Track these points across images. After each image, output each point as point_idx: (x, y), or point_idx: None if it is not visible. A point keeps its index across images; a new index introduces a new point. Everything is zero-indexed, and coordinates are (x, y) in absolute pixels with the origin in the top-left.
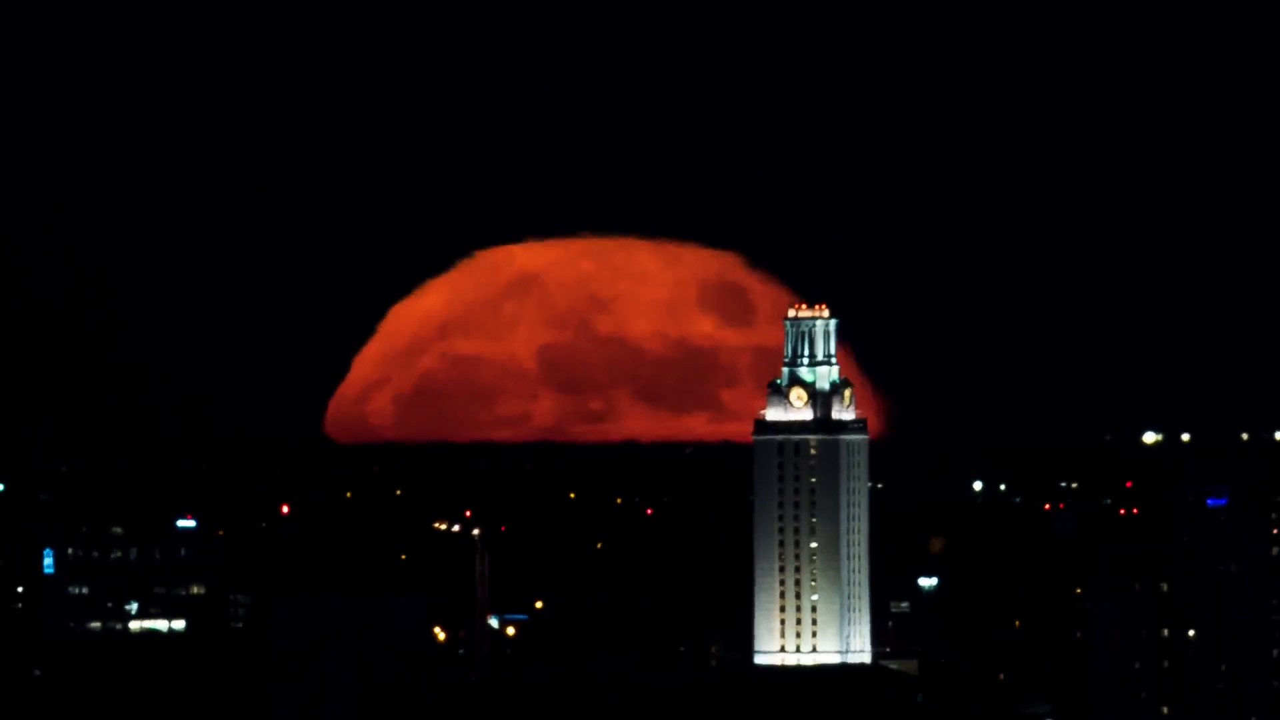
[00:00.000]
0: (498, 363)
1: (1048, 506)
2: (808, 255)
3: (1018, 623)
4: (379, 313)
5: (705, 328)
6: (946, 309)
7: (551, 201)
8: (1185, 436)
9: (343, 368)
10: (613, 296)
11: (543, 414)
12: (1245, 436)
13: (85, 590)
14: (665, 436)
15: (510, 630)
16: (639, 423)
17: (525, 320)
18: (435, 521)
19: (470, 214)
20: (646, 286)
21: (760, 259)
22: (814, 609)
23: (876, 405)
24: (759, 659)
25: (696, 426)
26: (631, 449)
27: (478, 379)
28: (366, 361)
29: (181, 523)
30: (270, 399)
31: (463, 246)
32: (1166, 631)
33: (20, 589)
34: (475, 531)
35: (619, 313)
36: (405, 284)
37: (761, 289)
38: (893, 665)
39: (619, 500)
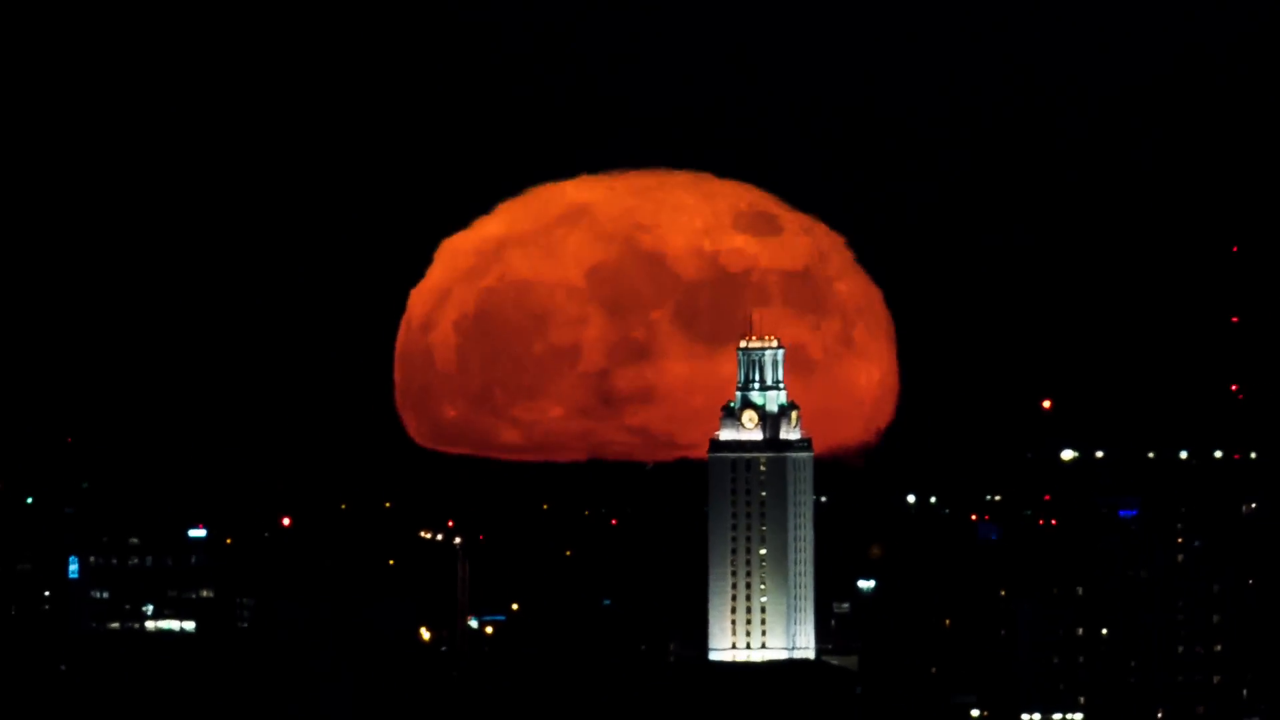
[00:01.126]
0: (551, 283)
1: (974, 517)
2: (831, 190)
3: (947, 622)
4: (435, 244)
5: (737, 250)
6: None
7: (600, 142)
8: (1099, 454)
9: (403, 297)
10: (654, 224)
11: (590, 346)
12: (1152, 455)
13: (106, 594)
14: (700, 378)
15: (489, 630)
16: (677, 363)
17: (575, 246)
18: (421, 531)
19: (522, 154)
20: (684, 215)
21: (788, 194)
22: (763, 610)
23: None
24: (713, 655)
25: (725, 364)
26: (598, 466)
27: (533, 299)
28: (427, 289)
29: (193, 532)
30: (338, 334)
31: (516, 185)
32: (1081, 630)
33: (47, 593)
34: (457, 540)
35: (660, 238)
36: (462, 218)
37: (790, 217)
38: (834, 660)
39: (586, 512)
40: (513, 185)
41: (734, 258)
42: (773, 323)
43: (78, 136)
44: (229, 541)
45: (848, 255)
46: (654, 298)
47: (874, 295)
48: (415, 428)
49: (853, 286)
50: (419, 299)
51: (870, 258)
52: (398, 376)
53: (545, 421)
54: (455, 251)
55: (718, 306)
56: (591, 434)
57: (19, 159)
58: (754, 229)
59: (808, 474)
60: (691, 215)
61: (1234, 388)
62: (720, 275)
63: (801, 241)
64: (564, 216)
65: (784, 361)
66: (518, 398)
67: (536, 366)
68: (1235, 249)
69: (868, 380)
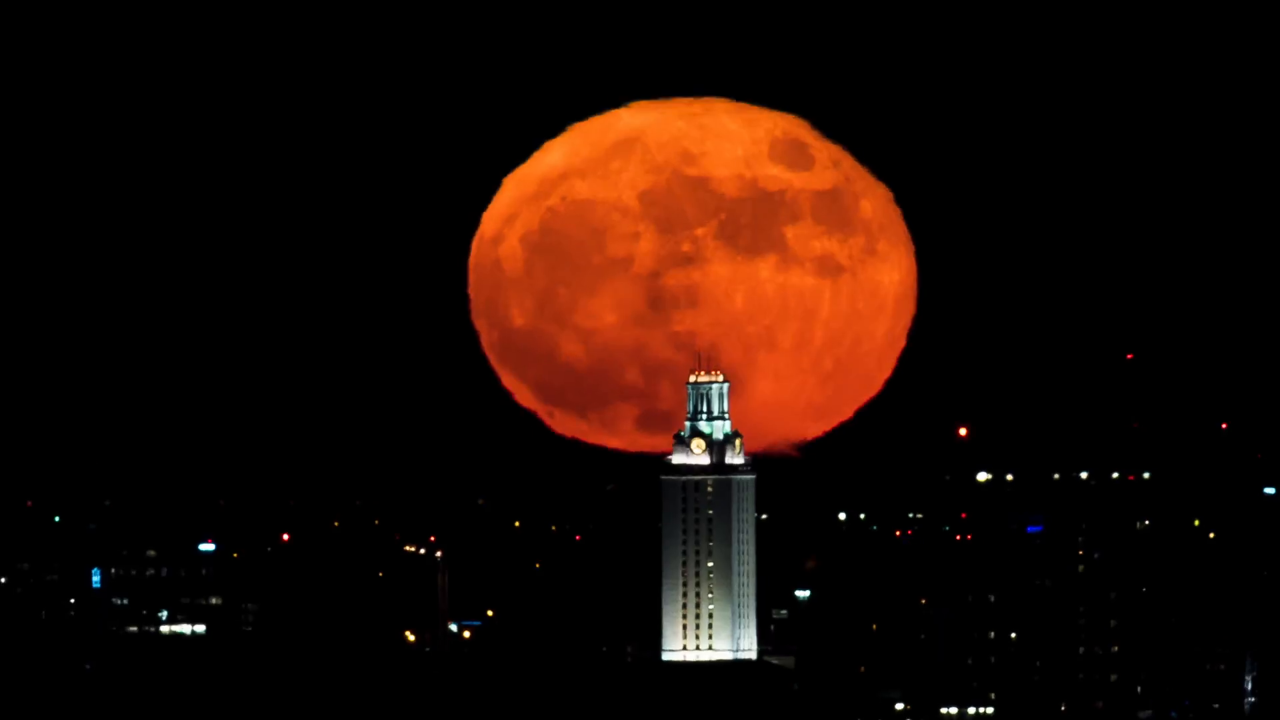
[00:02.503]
0: (608, 202)
1: (898, 533)
2: (861, 120)
3: (875, 626)
4: (505, 170)
5: (774, 174)
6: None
7: (651, 71)
8: (1009, 476)
9: (475, 219)
10: (700, 151)
11: (642, 257)
12: (1056, 476)
13: (125, 601)
14: (740, 283)
15: (467, 634)
16: (720, 267)
17: (629, 169)
18: (406, 545)
19: (579, 84)
20: (728, 142)
21: (820, 122)
22: (711, 615)
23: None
24: (666, 655)
25: (764, 269)
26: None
27: (592, 216)
28: (497, 212)
29: (203, 546)
30: (412, 262)
31: (576, 113)
32: (993, 634)
33: (73, 600)
34: (438, 553)
35: (705, 163)
36: (525, 149)
37: (820, 145)
38: (774, 660)
39: (554, 528)
40: (572, 114)
41: (770, 179)
42: (804, 236)
43: (103, 139)
44: (235, 555)
45: (870, 179)
46: (699, 216)
47: (894, 213)
48: (486, 337)
49: (875, 205)
50: (490, 220)
51: (892, 180)
52: (471, 287)
53: (602, 330)
54: (522, 179)
55: (756, 223)
56: (643, 346)
57: (50, 174)
58: (788, 156)
59: (750, 495)
60: (734, 142)
61: (1135, 425)
62: (759, 194)
63: (830, 168)
64: (619, 143)
65: (728, 394)
66: (578, 300)
67: (594, 273)
68: (1130, 356)
69: (889, 281)
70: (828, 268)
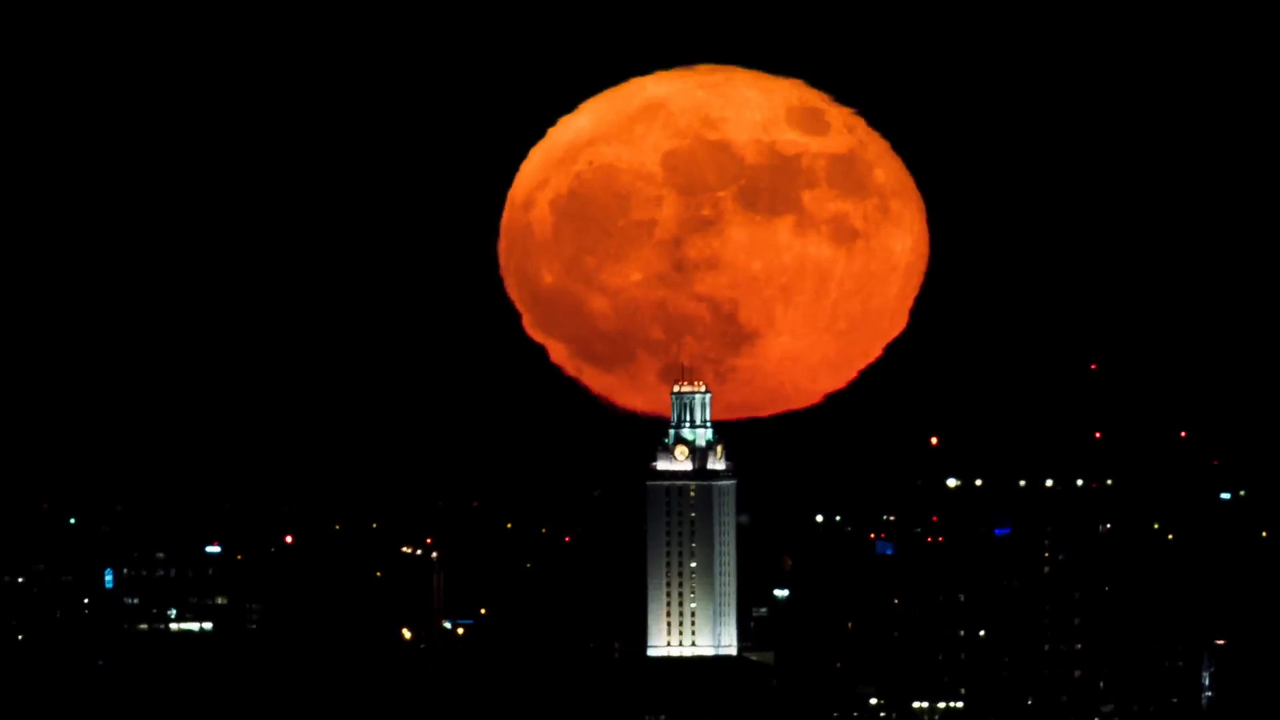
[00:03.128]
0: (632, 168)
1: (872, 535)
2: (874, 89)
3: (850, 624)
4: (538, 134)
5: (791, 139)
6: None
7: (673, 41)
8: (978, 482)
9: (505, 185)
10: (721, 117)
11: (666, 221)
12: (1023, 483)
13: (136, 600)
14: (758, 247)
15: (460, 631)
16: (740, 231)
17: (653, 135)
18: (402, 547)
19: (603, 53)
20: (747, 109)
21: (836, 90)
22: (693, 613)
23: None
24: (651, 651)
25: (783, 231)
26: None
27: (617, 181)
28: (527, 176)
29: (209, 549)
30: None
31: (602, 81)
32: (963, 632)
33: (87, 599)
34: (433, 554)
35: (725, 128)
36: (569, 102)
37: (835, 111)
38: (754, 656)
39: (544, 530)
40: (598, 83)
41: (788, 144)
42: (820, 199)
43: (111, 139)
44: (240, 556)
45: (884, 145)
46: (720, 180)
47: (907, 179)
48: (517, 295)
49: (889, 171)
50: (520, 184)
51: (904, 147)
52: (501, 249)
53: (628, 288)
54: (551, 144)
55: (774, 187)
56: (667, 302)
57: (64, 177)
58: (804, 122)
59: (730, 499)
60: (753, 109)
61: (1098, 435)
62: (777, 160)
63: (844, 133)
64: (643, 110)
65: (710, 404)
66: (605, 263)
67: (620, 236)
68: (1094, 367)
69: (901, 246)
70: (842, 230)
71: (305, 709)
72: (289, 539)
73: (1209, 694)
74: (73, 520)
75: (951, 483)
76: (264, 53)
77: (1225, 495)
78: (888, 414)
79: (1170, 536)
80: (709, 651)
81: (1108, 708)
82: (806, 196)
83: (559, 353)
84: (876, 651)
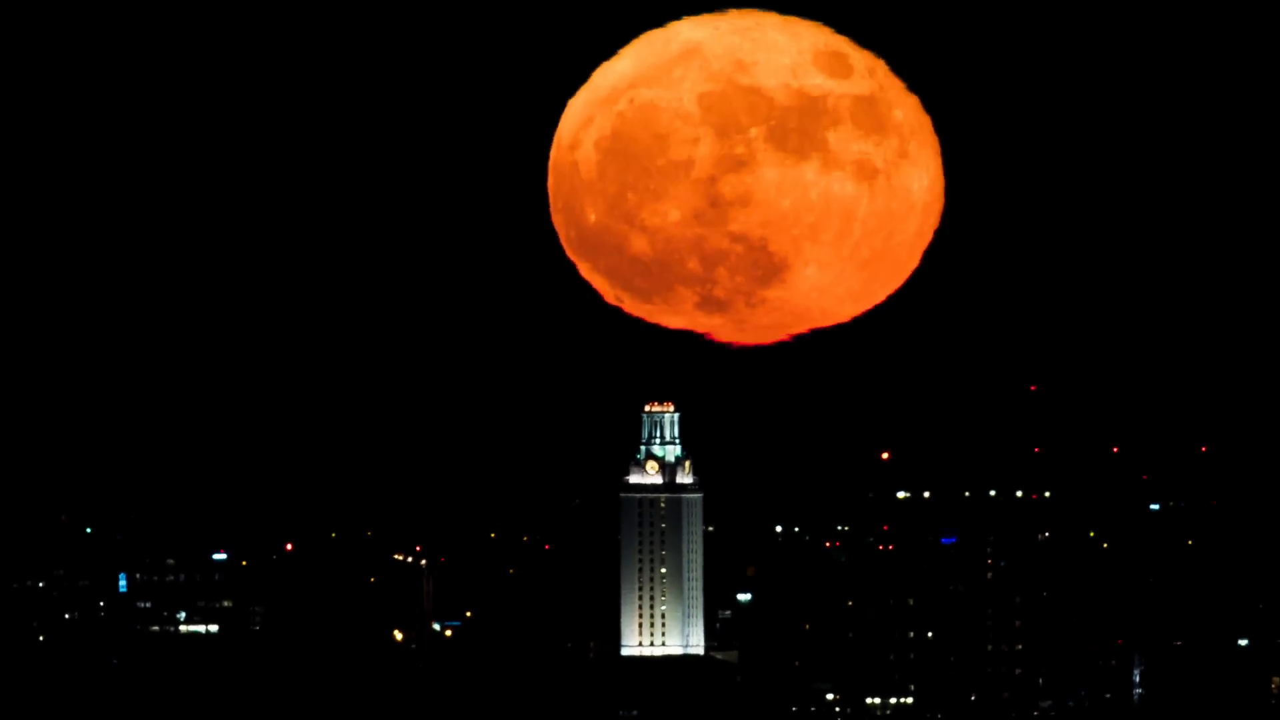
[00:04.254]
0: (670, 108)
1: (828, 544)
2: (895, 34)
3: (807, 625)
4: (581, 80)
5: (817, 82)
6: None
7: None
8: (926, 494)
9: (552, 125)
10: (753, 61)
11: (701, 160)
12: (967, 494)
13: (148, 604)
14: (788, 184)
15: (448, 633)
16: (770, 170)
17: (689, 77)
18: (394, 554)
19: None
20: (776, 53)
21: (859, 37)
22: (663, 616)
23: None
24: (624, 651)
25: (809, 170)
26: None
27: (656, 120)
28: (573, 116)
29: (216, 555)
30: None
31: (639, 27)
32: (912, 633)
33: (102, 603)
34: (424, 562)
35: (757, 71)
36: (597, 60)
37: (858, 55)
38: (719, 655)
39: (525, 538)
40: (639, 28)
41: (814, 86)
42: (844, 140)
43: (120, 140)
44: (244, 562)
45: (902, 86)
46: (751, 120)
47: (924, 120)
48: (564, 233)
49: (907, 113)
50: (566, 124)
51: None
52: (550, 186)
53: (667, 227)
54: (595, 86)
55: (802, 127)
56: (703, 240)
57: (80, 187)
58: (830, 66)
59: (698, 510)
60: (781, 53)
61: (1037, 450)
62: (804, 100)
63: (866, 76)
64: (680, 55)
65: (678, 422)
66: (645, 200)
67: (660, 175)
68: (1033, 388)
69: (919, 185)
70: (865, 169)
71: (305, 704)
72: (289, 547)
73: (1139, 690)
74: (89, 529)
75: (901, 495)
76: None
77: (1154, 506)
78: (842, 431)
79: (1104, 545)
80: (678, 651)
81: (1046, 703)
82: (831, 137)
83: (601, 284)
84: (832, 651)
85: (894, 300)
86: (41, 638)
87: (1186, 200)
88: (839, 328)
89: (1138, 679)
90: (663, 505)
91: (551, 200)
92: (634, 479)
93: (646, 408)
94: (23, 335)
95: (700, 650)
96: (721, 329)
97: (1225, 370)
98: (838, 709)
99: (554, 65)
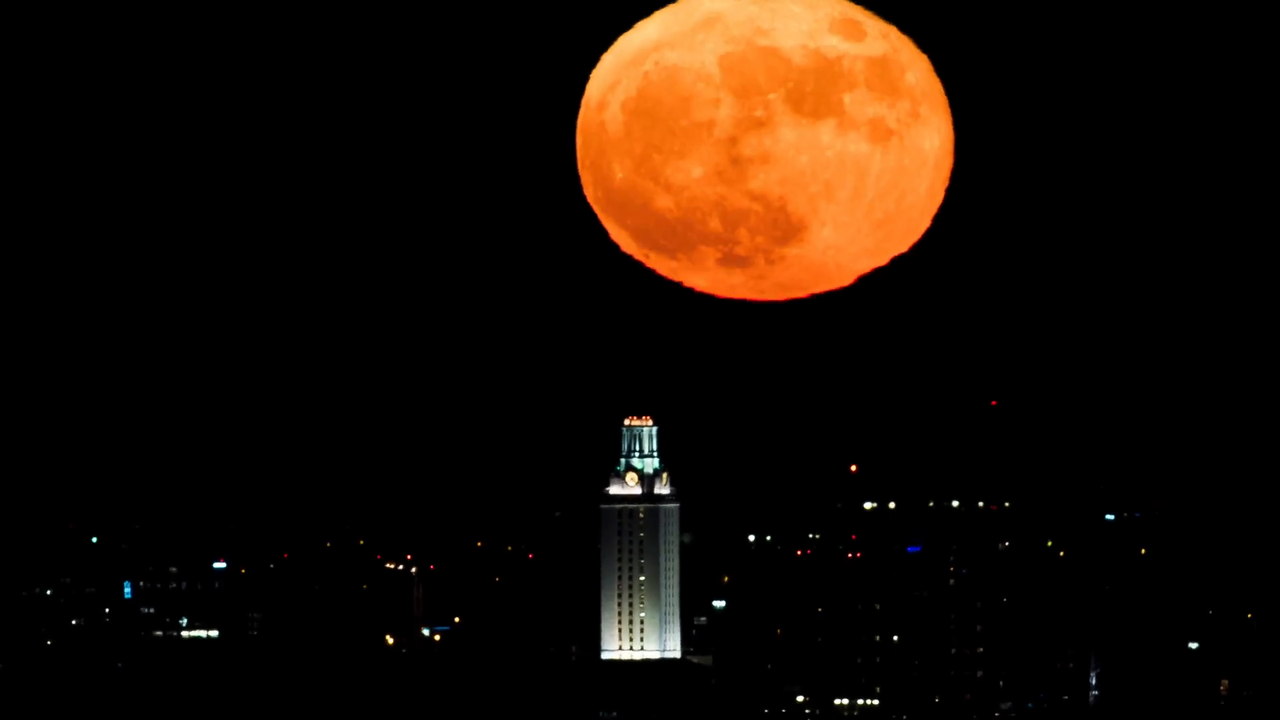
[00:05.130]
0: (693, 69)
1: (799, 553)
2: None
3: (779, 631)
4: (610, 42)
5: (833, 44)
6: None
7: None
8: (892, 505)
9: (582, 82)
10: (771, 27)
11: (723, 120)
12: (931, 504)
13: (151, 610)
14: (805, 144)
15: (437, 637)
16: (788, 131)
17: (711, 42)
18: (386, 563)
19: None
20: (794, 20)
21: (873, 4)
22: (642, 621)
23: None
24: (605, 655)
25: (825, 131)
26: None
27: (680, 82)
28: (601, 78)
29: (216, 564)
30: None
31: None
32: (878, 637)
33: (108, 609)
34: (414, 569)
35: (775, 37)
36: (627, 24)
37: (872, 22)
38: (695, 659)
39: (510, 547)
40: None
41: (830, 49)
42: (859, 102)
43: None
44: (243, 570)
45: (915, 51)
46: (769, 83)
47: (935, 83)
48: (591, 192)
49: (918, 75)
50: (595, 85)
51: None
52: (578, 145)
53: (690, 185)
54: (621, 49)
55: (818, 88)
56: (724, 200)
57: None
58: (844, 30)
59: (675, 520)
60: (799, 20)
61: (997, 462)
62: (821, 63)
63: (880, 39)
64: (702, 21)
65: (657, 436)
66: (669, 159)
67: (683, 134)
68: (994, 404)
69: (930, 145)
70: (878, 130)
71: (300, 705)
72: (286, 555)
73: (1095, 692)
74: (95, 539)
75: (868, 505)
76: None
77: (1109, 516)
78: (812, 443)
79: (1061, 554)
80: (656, 655)
81: (1006, 704)
82: (847, 99)
83: (627, 241)
84: (803, 655)
85: (871, 307)
86: (50, 642)
87: (1149, 218)
88: (812, 348)
89: (1094, 681)
90: (641, 515)
91: (580, 158)
92: (614, 490)
93: (626, 422)
94: (34, 358)
95: (677, 654)
96: (742, 287)
97: (1178, 386)
98: (808, 710)
99: (582, 31)
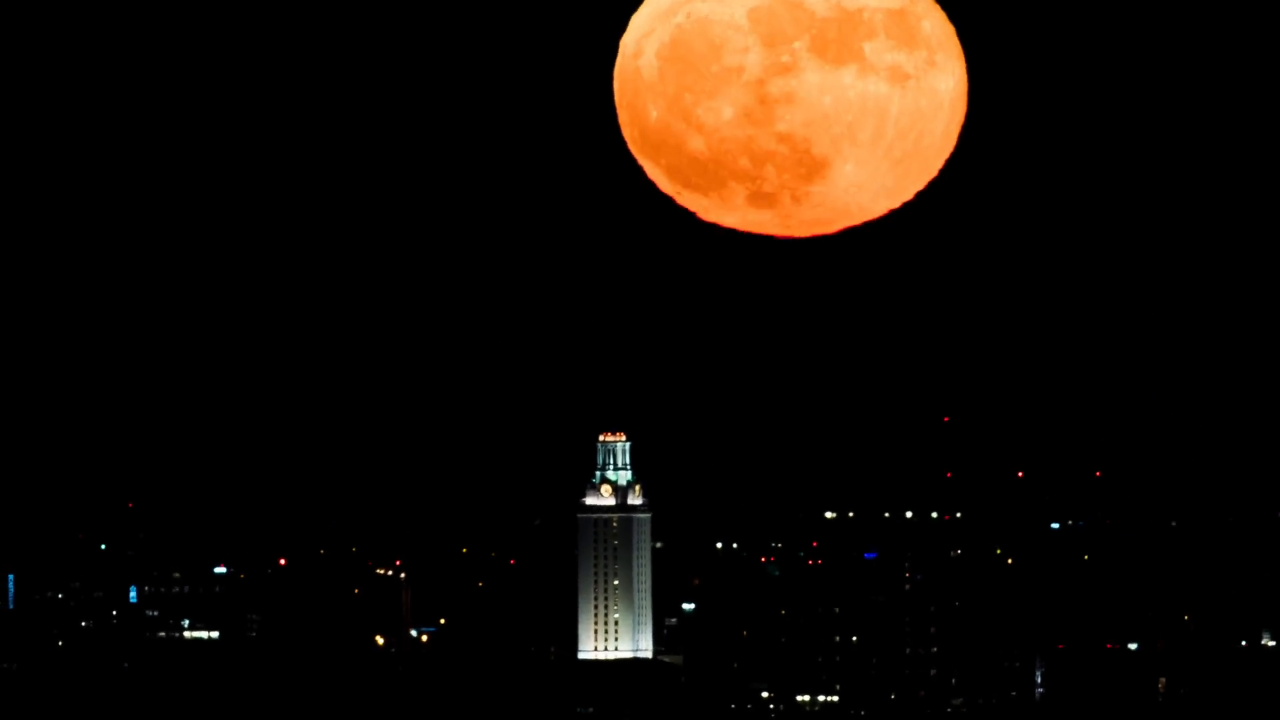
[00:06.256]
0: (723, 20)
1: (763, 559)
2: None
3: (745, 632)
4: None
5: None
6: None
7: None
8: (850, 514)
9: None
10: None
11: (751, 66)
12: (887, 515)
13: (156, 613)
14: (828, 87)
15: (424, 638)
16: (813, 75)
17: None
18: (376, 568)
19: None
20: None
21: None
22: (616, 623)
23: None
24: (581, 654)
25: (847, 76)
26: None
27: (711, 31)
28: (636, 28)
29: (217, 569)
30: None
31: None
32: (838, 638)
33: (115, 612)
34: (402, 575)
35: None
36: None
37: None
38: (666, 659)
39: (493, 554)
40: None
41: (851, 2)
42: (879, 50)
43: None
44: (242, 575)
45: (930, 3)
46: (795, 32)
47: (950, 30)
48: (628, 132)
49: (934, 25)
50: (631, 35)
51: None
52: (615, 90)
53: (721, 126)
54: (656, 2)
55: (841, 37)
56: (752, 141)
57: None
58: None
59: (647, 529)
60: None
61: (949, 475)
62: (842, 14)
63: None
64: None
65: (630, 451)
66: (700, 100)
67: (714, 78)
68: (946, 419)
69: (945, 86)
70: (897, 75)
71: (296, 702)
72: (282, 561)
73: (1040, 689)
74: (103, 547)
75: (828, 515)
76: None
77: (1055, 525)
78: (775, 458)
79: (1009, 560)
80: (629, 655)
81: (958, 700)
82: (868, 47)
83: (661, 179)
84: (767, 654)
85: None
86: (61, 642)
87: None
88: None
89: (1039, 679)
90: (615, 525)
91: (617, 103)
92: (590, 501)
93: (601, 437)
94: (49, 382)
95: (649, 654)
96: (769, 224)
97: (1118, 402)
98: (772, 706)
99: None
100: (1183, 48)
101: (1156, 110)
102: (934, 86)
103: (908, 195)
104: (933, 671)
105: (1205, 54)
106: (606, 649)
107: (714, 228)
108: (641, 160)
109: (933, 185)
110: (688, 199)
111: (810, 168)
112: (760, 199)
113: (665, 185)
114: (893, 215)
